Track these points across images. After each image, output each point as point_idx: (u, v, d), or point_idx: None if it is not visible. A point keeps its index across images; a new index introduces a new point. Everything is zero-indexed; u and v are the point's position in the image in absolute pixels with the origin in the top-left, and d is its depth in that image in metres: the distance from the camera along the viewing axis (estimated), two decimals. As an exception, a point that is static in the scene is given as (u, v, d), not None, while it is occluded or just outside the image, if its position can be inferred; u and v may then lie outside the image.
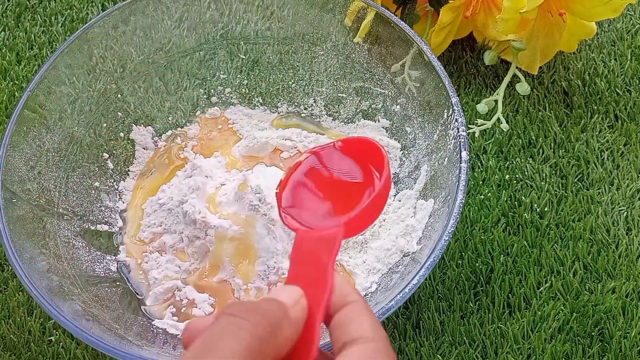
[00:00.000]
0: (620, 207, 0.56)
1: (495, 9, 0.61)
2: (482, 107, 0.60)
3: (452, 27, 0.61)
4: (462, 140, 0.45)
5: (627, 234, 0.55)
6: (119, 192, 0.55)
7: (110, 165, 0.55)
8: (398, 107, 0.54)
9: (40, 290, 0.42)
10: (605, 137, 0.60)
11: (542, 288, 0.52)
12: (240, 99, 0.59)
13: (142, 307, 0.49)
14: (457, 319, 0.51)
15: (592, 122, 0.61)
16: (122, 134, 0.56)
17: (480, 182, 0.57)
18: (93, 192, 0.53)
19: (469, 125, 0.59)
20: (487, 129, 0.60)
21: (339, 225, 0.33)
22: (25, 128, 0.48)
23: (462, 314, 0.51)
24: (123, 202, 0.55)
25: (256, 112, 0.59)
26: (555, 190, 0.57)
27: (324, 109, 0.58)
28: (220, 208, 0.50)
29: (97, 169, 0.54)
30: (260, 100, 0.59)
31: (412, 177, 0.52)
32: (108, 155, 0.55)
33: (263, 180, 0.51)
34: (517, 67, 0.62)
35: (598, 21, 0.65)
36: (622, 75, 0.64)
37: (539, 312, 0.51)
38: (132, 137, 0.57)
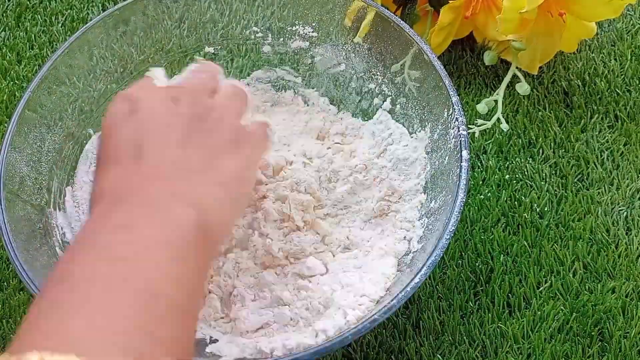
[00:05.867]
0: (620, 207, 0.56)
1: (495, 9, 0.61)
2: (482, 107, 0.60)
3: (452, 27, 0.61)
4: (463, 139, 0.45)
5: (627, 233, 0.55)
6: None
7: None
8: (398, 106, 0.54)
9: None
10: (605, 137, 0.60)
11: (542, 288, 0.52)
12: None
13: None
14: (457, 318, 0.51)
15: (592, 122, 0.61)
16: (122, 134, 0.56)
17: (480, 182, 0.58)
18: (94, 192, 0.53)
19: (469, 126, 0.59)
20: (487, 129, 0.60)
21: None
22: (26, 128, 0.48)
23: (462, 313, 0.51)
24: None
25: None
26: (555, 190, 0.57)
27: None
28: None
29: (97, 169, 0.54)
30: (261, 100, 0.59)
31: (412, 176, 0.53)
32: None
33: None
34: (517, 67, 0.62)
35: (598, 21, 0.65)
36: (622, 75, 0.64)
37: (539, 312, 0.51)
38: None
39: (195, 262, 0.35)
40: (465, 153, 0.45)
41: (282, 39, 0.57)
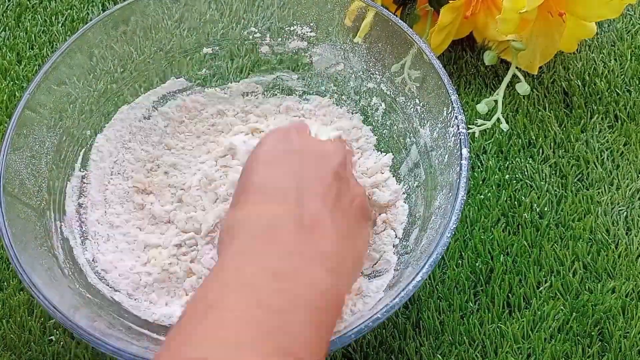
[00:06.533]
0: (620, 207, 0.56)
1: (495, 9, 0.61)
2: (482, 107, 0.60)
3: (452, 27, 0.61)
4: (462, 137, 0.45)
5: (626, 233, 0.55)
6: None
7: (111, 165, 0.55)
8: (398, 105, 0.54)
9: (41, 290, 0.42)
10: (605, 137, 0.60)
11: (541, 288, 0.52)
12: (241, 99, 0.59)
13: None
14: (457, 318, 0.51)
15: (592, 122, 0.61)
16: (122, 134, 0.56)
17: (480, 182, 0.58)
18: (94, 192, 0.53)
19: (469, 126, 0.59)
20: (487, 129, 0.60)
21: None
22: (26, 128, 0.48)
23: (462, 313, 0.51)
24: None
25: None
26: (555, 190, 0.57)
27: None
28: None
29: (97, 169, 0.54)
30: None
31: (412, 174, 0.53)
32: (109, 155, 0.55)
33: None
34: (517, 67, 0.62)
35: (598, 21, 0.65)
36: (621, 75, 0.64)
37: (539, 312, 0.51)
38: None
39: (327, 326, 0.36)
40: (465, 151, 0.45)
41: (280, 39, 0.57)
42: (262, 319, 0.33)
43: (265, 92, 0.59)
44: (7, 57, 0.66)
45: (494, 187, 0.57)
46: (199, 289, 0.36)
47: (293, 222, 0.38)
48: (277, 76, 0.59)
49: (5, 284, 0.53)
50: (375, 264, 0.50)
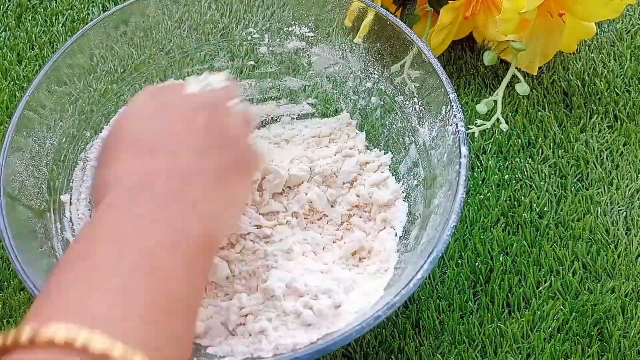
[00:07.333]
0: (619, 207, 0.56)
1: (495, 10, 0.61)
2: (481, 107, 0.60)
3: (451, 28, 0.62)
4: (461, 135, 0.45)
5: (626, 233, 0.55)
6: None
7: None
8: (396, 105, 0.54)
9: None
10: (604, 137, 0.60)
11: (541, 287, 0.52)
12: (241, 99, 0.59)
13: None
14: (456, 318, 0.51)
15: (591, 122, 0.61)
16: (122, 134, 0.56)
17: (480, 182, 0.58)
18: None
19: (469, 126, 0.59)
20: (487, 129, 0.60)
21: None
22: (26, 129, 0.49)
23: (461, 313, 0.51)
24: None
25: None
26: (555, 190, 0.57)
27: (323, 108, 0.59)
28: None
29: (98, 169, 0.54)
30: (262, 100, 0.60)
31: (412, 173, 0.53)
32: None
33: None
34: (516, 68, 0.62)
35: (598, 21, 0.65)
36: (621, 75, 0.64)
37: (538, 312, 0.51)
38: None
39: (201, 267, 0.38)
40: (464, 149, 0.45)
41: (278, 40, 0.57)
42: (134, 260, 0.34)
43: (263, 93, 0.59)
44: (8, 57, 0.66)
45: (493, 187, 0.57)
46: (72, 243, 0.37)
47: (166, 175, 0.39)
48: (276, 77, 0.59)
49: (5, 284, 0.53)
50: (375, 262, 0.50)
